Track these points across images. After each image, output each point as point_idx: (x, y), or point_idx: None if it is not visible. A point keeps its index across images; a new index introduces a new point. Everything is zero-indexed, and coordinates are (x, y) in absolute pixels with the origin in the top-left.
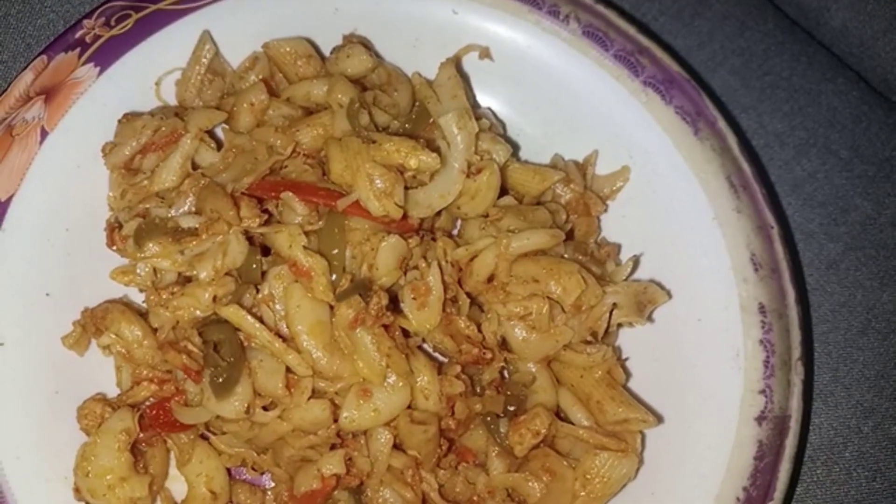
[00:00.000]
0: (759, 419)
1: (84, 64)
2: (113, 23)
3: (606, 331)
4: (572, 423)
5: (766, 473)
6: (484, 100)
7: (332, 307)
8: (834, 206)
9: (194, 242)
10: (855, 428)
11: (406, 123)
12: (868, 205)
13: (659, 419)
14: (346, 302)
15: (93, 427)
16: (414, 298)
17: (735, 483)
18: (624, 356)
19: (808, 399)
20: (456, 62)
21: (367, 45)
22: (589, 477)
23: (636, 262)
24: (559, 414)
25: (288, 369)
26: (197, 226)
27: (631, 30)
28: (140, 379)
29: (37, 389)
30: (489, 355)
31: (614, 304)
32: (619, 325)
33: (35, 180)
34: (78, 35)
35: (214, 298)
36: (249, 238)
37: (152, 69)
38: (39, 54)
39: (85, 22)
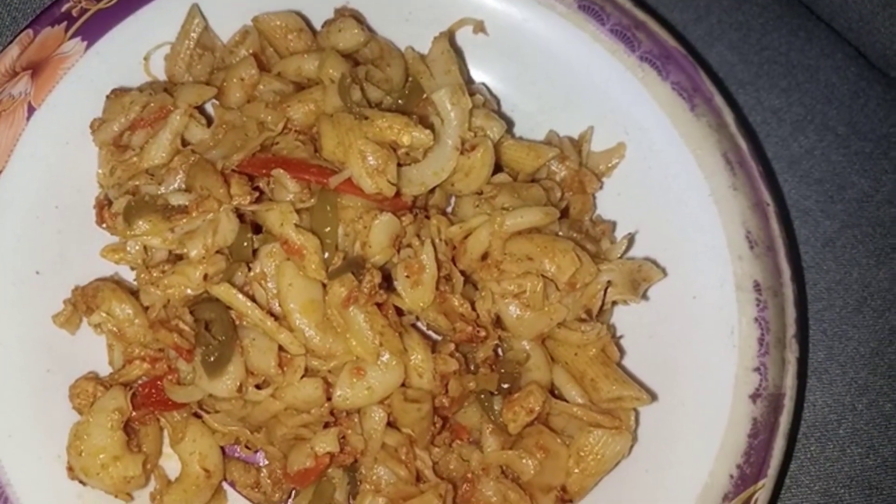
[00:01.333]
0: (754, 397)
1: (71, 38)
2: None
3: (601, 309)
4: (566, 401)
5: (760, 451)
6: (478, 75)
7: (324, 285)
8: (831, 182)
9: (184, 220)
10: (849, 405)
11: (399, 99)
12: (865, 182)
13: (653, 397)
14: (339, 280)
15: (85, 406)
16: (407, 276)
17: (729, 460)
18: (618, 334)
19: (803, 376)
20: (449, 36)
21: (359, 18)
22: (583, 454)
23: (631, 239)
24: (553, 391)
25: (280, 347)
26: (187, 203)
27: (627, 4)
28: (132, 358)
29: (28, 368)
30: (483, 333)
31: (609, 282)
32: (614, 303)
33: (23, 157)
34: (64, 8)
35: (205, 277)
36: (240, 216)
37: (141, 44)
38: (25, 28)
39: None
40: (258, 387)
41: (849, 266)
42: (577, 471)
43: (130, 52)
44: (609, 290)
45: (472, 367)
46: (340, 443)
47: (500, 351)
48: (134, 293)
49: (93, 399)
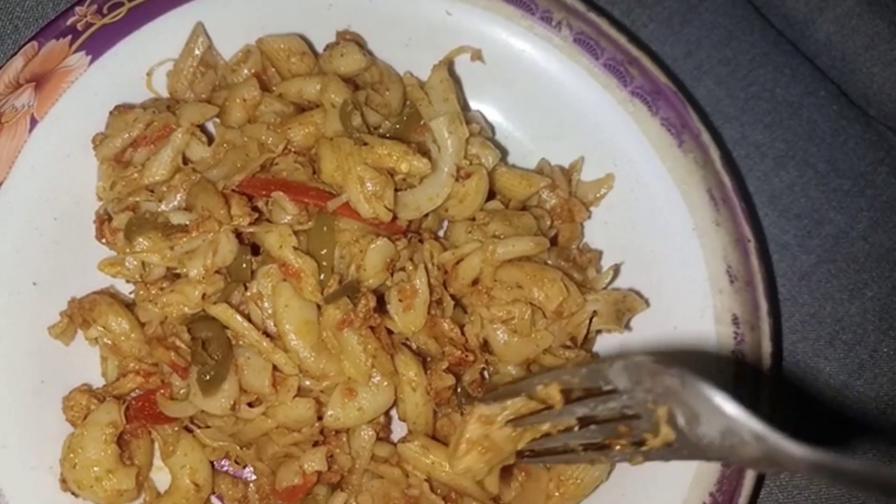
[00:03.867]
0: None
1: (75, 52)
2: (105, 11)
3: (585, 337)
4: None
5: (731, 480)
6: (474, 102)
7: (319, 307)
8: (809, 218)
9: (185, 239)
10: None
11: (397, 124)
12: (841, 218)
13: None
14: (335, 303)
15: (78, 418)
16: (400, 301)
17: (702, 488)
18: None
19: None
20: (448, 65)
21: (360, 43)
22: (563, 478)
23: (616, 270)
24: None
25: (275, 367)
26: (187, 223)
27: (621, 39)
28: (126, 371)
29: (23, 378)
30: (471, 357)
31: (594, 312)
32: (598, 332)
33: (24, 168)
34: (69, 22)
35: (204, 296)
36: (239, 236)
37: (144, 59)
38: (30, 40)
39: (77, 9)
40: (251, 405)
41: (823, 300)
42: (556, 494)
43: (134, 68)
44: (594, 319)
45: (459, 389)
46: (328, 461)
47: (486, 374)
48: (129, 306)
49: (86, 412)
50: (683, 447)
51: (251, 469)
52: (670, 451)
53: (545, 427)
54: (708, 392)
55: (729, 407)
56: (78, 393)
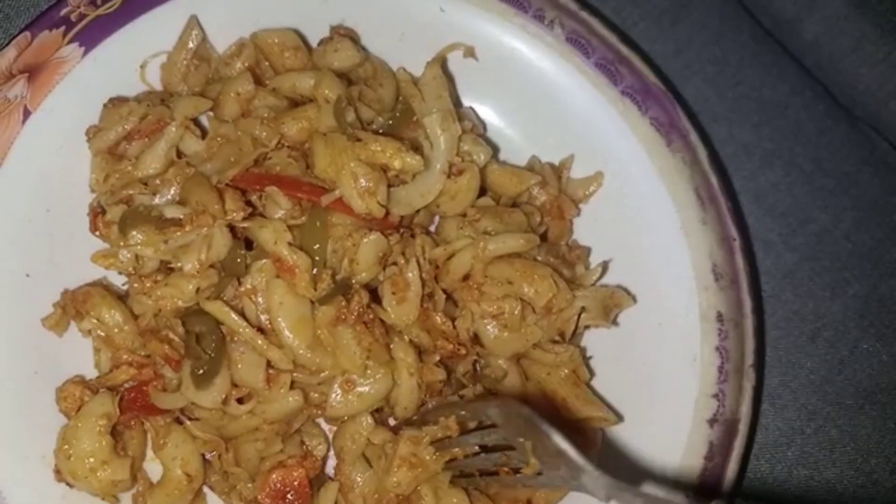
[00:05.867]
0: (711, 422)
1: (69, 43)
2: (99, 2)
3: (574, 332)
4: None
5: (714, 473)
6: (466, 99)
7: (313, 302)
8: (794, 217)
9: (179, 233)
10: (798, 429)
11: (390, 120)
12: (826, 217)
13: (619, 418)
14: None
15: (72, 410)
16: (393, 293)
17: (686, 481)
18: (588, 355)
19: (758, 402)
20: (441, 62)
21: (354, 38)
22: None
23: (605, 267)
24: None
25: (268, 362)
26: (181, 216)
27: (612, 38)
28: (119, 363)
29: (16, 369)
30: (463, 351)
31: (583, 308)
32: (586, 327)
33: (17, 160)
34: (63, 13)
35: (198, 290)
36: (232, 230)
37: (138, 51)
38: (23, 30)
39: None
40: (240, 400)
41: (806, 298)
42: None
43: (127, 60)
44: (582, 315)
45: (453, 381)
46: (305, 450)
47: (477, 366)
48: (122, 298)
49: (80, 403)
50: (549, 477)
51: None
52: (541, 480)
53: (455, 451)
54: (547, 430)
55: (563, 444)
56: (71, 384)
